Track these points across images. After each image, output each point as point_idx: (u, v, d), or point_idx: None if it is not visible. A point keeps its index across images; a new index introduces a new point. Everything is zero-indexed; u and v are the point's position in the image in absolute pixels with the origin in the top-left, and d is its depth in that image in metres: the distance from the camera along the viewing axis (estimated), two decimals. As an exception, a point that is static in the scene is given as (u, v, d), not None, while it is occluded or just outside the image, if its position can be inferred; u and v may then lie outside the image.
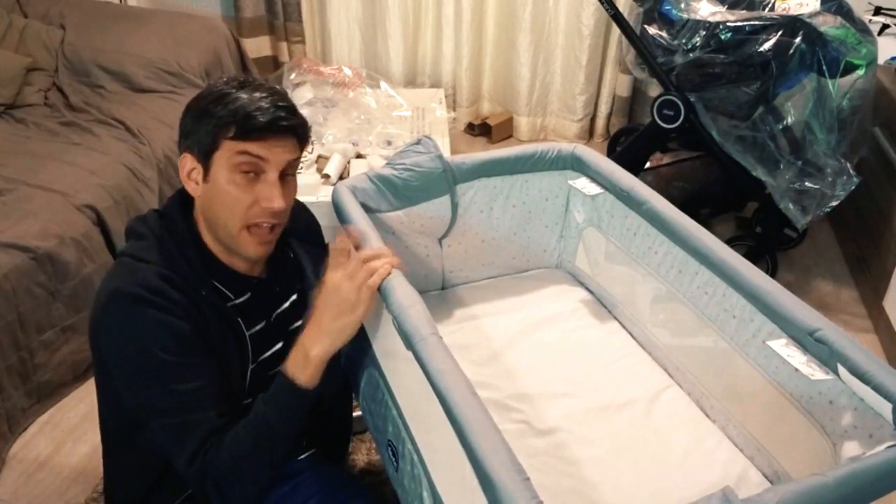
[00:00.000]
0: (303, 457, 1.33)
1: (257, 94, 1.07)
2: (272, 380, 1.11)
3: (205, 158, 1.08)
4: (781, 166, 2.09)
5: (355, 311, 1.08)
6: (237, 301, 1.17)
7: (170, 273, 1.07)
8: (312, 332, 1.08)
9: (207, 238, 1.14)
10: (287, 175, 1.12)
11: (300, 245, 1.28)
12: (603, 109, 3.26)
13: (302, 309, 1.27)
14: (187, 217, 1.14)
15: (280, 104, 1.08)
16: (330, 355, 1.09)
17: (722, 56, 2.03)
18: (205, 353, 1.08)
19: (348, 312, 1.08)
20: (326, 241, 1.39)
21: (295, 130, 1.10)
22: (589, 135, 3.35)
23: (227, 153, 1.06)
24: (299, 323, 1.26)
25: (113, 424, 1.21)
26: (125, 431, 1.17)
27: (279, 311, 1.24)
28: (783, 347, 1.13)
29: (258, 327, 1.19)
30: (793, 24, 1.96)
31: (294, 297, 1.27)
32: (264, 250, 1.14)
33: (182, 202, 1.15)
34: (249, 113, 1.05)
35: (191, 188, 1.11)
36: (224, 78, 1.12)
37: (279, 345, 1.23)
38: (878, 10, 2.66)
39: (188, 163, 1.10)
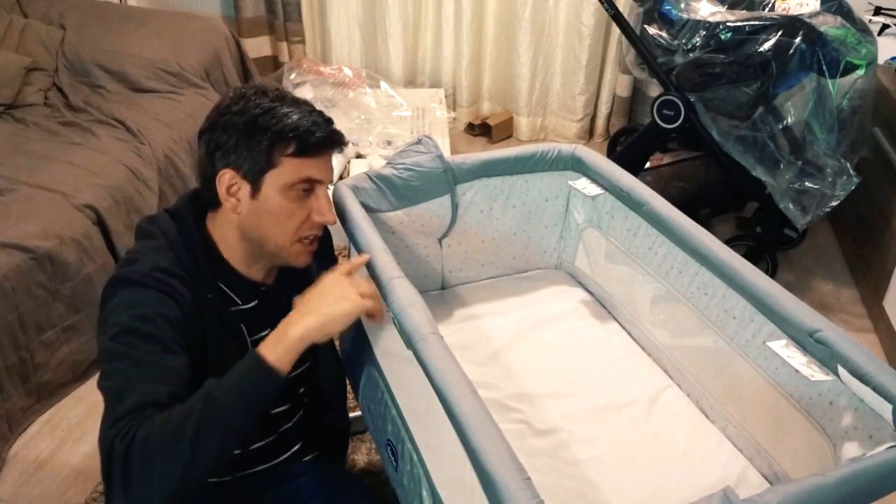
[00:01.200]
0: (304, 459, 1.33)
1: (305, 108, 1.08)
2: None
3: (256, 175, 1.06)
4: (781, 166, 2.09)
5: (343, 308, 1.03)
6: (243, 307, 1.16)
7: (177, 269, 1.06)
8: (296, 313, 1.03)
9: (225, 246, 1.13)
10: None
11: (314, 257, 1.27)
12: (603, 109, 3.26)
13: None
14: (199, 220, 1.13)
15: (326, 117, 1.10)
16: (306, 342, 1.00)
17: (722, 56, 2.03)
18: (184, 347, 1.02)
19: (341, 301, 1.03)
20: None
21: (343, 143, 1.13)
22: (589, 135, 3.35)
23: (284, 173, 1.06)
24: None
25: None
26: None
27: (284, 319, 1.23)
28: (783, 348, 1.13)
29: (263, 334, 1.17)
30: (793, 24, 1.96)
31: None
32: (310, 259, 1.16)
33: (194, 205, 1.13)
34: (309, 128, 1.06)
35: (231, 204, 1.08)
36: (253, 90, 1.09)
37: None
38: (878, 10, 2.66)
39: (228, 178, 1.07)
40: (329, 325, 1.02)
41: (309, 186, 1.09)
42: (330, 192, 1.41)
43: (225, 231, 1.12)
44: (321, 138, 1.07)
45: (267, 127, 1.04)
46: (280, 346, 0.98)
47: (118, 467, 0.88)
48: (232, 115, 1.06)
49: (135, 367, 0.95)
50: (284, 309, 1.21)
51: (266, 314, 1.18)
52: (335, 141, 1.10)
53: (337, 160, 2.58)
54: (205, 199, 1.12)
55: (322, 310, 1.02)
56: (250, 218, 1.09)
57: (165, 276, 1.04)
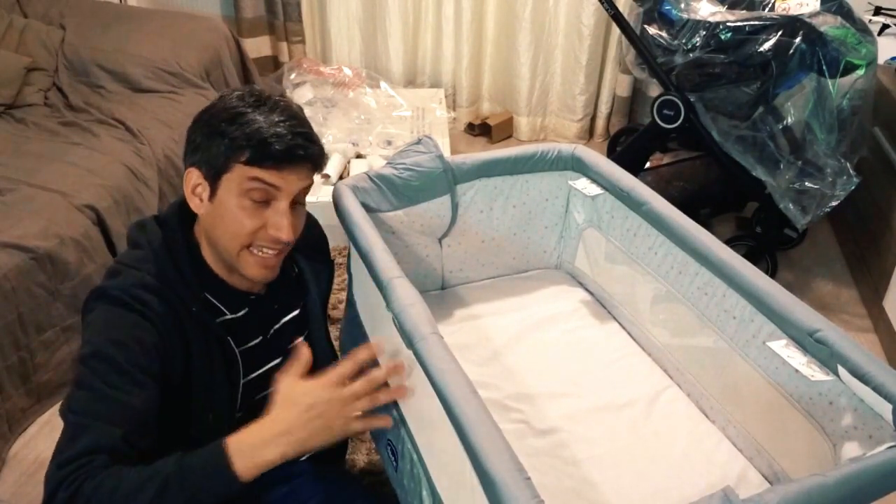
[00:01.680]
0: (302, 458, 1.33)
1: (275, 117, 1.03)
2: (266, 395, 1.08)
3: (213, 178, 1.04)
4: (781, 166, 2.09)
5: (331, 435, 0.97)
6: (231, 316, 1.14)
7: (158, 284, 1.04)
8: (275, 426, 0.94)
9: (207, 252, 1.11)
10: (297, 203, 1.08)
11: (306, 261, 1.25)
12: (603, 109, 3.26)
13: (304, 325, 1.25)
14: (186, 229, 1.11)
15: (298, 130, 1.04)
16: (282, 461, 0.94)
17: (722, 56, 2.03)
18: (154, 374, 1.00)
19: (323, 434, 0.96)
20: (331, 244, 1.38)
21: (311, 159, 1.06)
22: (589, 135, 3.35)
23: (238, 177, 1.02)
24: (300, 339, 1.24)
25: None
26: None
27: (276, 327, 1.21)
28: (783, 348, 1.13)
29: (253, 343, 1.17)
30: (793, 24, 1.96)
31: (295, 312, 1.24)
32: (268, 274, 1.10)
33: (182, 213, 1.11)
34: (265, 139, 1.01)
35: (194, 204, 1.07)
36: (237, 92, 1.06)
37: (276, 360, 1.20)
38: (878, 10, 2.66)
39: (194, 178, 1.06)
40: (310, 448, 0.96)
41: (265, 197, 1.03)
42: (330, 192, 1.42)
43: (201, 236, 1.10)
44: (277, 151, 1.01)
45: (227, 132, 1.01)
46: (251, 461, 0.92)
47: None
48: (206, 115, 1.05)
49: (95, 402, 0.94)
50: (275, 316, 1.20)
51: (257, 323, 1.16)
52: (297, 156, 1.03)
53: (337, 160, 2.59)
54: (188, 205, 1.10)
55: (303, 434, 0.94)
56: (208, 220, 1.07)
57: (146, 293, 1.02)
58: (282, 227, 1.05)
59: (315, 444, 0.96)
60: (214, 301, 1.12)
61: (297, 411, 0.95)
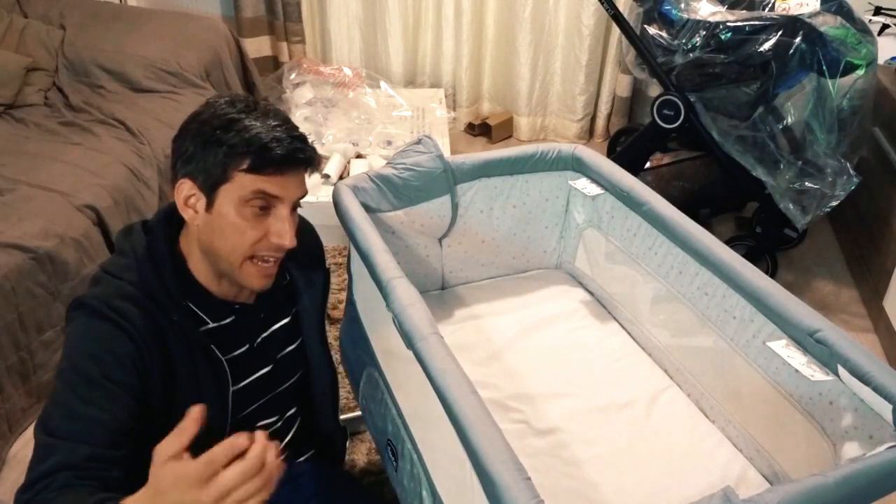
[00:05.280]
0: (302, 458, 1.33)
1: (270, 122, 1.01)
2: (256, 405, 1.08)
3: (210, 189, 1.01)
4: (781, 166, 2.09)
5: None
6: (213, 325, 1.12)
7: (138, 293, 1.02)
8: None
9: (194, 262, 1.08)
10: (294, 209, 1.08)
11: (298, 269, 1.23)
12: (603, 109, 3.26)
13: (296, 334, 1.24)
14: (171, 238, 1.09)
15: (295, 134, 1.03)
16: None
17: (722, 56, 2.03)
18: (129, 385, 0.98)
19: None
20: (328, 243, 1.37)
21: (310, 162, 1.05)
22: (589, 135, 3.35)
23: (238, 187, 1.00)
24: (292, 347, 1.24)
25: None
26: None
27: (264, 335, 1.19)
28: (783, 348, 1.13)
29: (239, 351, 1.15)
30: (793, 24, 1.96)
31: (286, 320, 1.23)
32: (268, 283, 1.09)
33: (168, 221, 1.09)
34: (266, 144, 0.99)
35: (188, 216, 1.04)
36: (224, 98, 1.04)
37: (266, 369, 1.20)
38: (878, 10, 2.66)
39: (186, 189, 1.02)
40: None
41: (265, 204, 1.02)
42: (330, 193, 1.42)
43: (192, 246, 1.08)
44: (279, 156, 0.99)
45: (223, 140, 0.99)
46: None
47: None
48: (196, 124, 1.02)
49: (65, 420, 0.94)
50: (262, 325, 1.18)
51: (243, 332, 1.15)
52: (298, 160, 1.02)
53: (337, 160, 2.59)
54: (179, 213, 1.08)
55: None
56: (205, 232, 1.04)
57: (125, 303, 1.00)
58: (284, 233, 1.04)
59: None
60: (196, 310, 1.10)
61: (161, 490, 0.78)
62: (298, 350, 1.26)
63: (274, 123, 1.02)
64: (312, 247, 1.30)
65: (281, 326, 1.22)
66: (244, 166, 0.99)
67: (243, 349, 1.16)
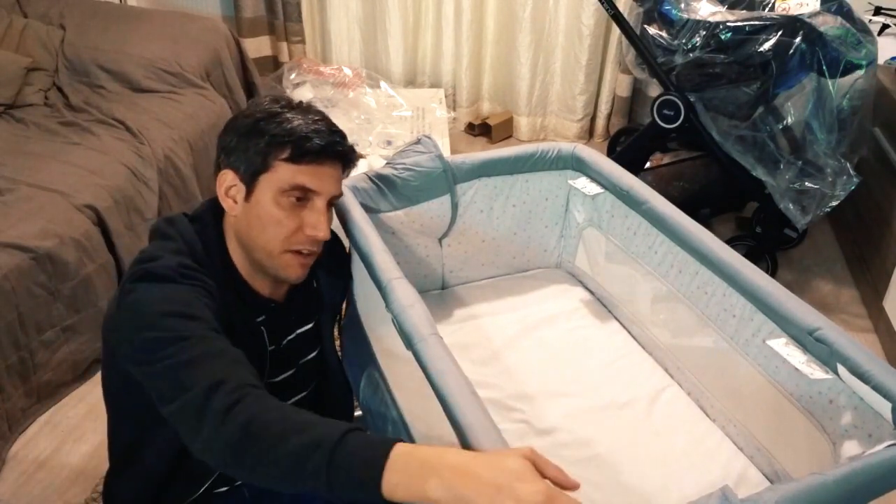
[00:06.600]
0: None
1: (310, 117, 1.06)
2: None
3: (250, 178, 1.04)
4: (781, 166, 2.09)
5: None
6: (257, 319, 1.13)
7: (200, 268, 1.02)
8: (462, 468, 0.74)
9: (235, 254, 1.10)
10: (330, 205, 1.10)
11: (326, 275, 1.24)
12: (603, 109, 3.26)
13: (316, 342, 1.25)
14: (219, 227, 1.11)
15: (333, 129, 1.08)
16: None
17: (722, 56, 2.03)
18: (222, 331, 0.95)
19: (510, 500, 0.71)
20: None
21: (347, 156, 1.09)
22: (589, 135, 3.35)
23: (277, 177, 1.03)
24: (312, 355, 1.24)
25: (121, 440, 1.15)
26: (134, 448, 1.11)
27: (289, 338, 1.20)
28: (783, 347, 1.13)
29: (268, 350, 1.16)
30: (793, 24, 1.96)
31: (308, 326, 1.23)
32: (304, 273, 1.10)
33: (215, 211, 1.11)
34: (305, 134, 1.03)
35: (228, 205, 1.07)
36: (268, 97, 1.09)
37: (288, 373, 1.20)
38: (878, 10, 2.65)
39: (228, 179, 1.06)
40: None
41: (302, 195, 1.05)
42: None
43: (230, 238, 1.10)
44: (318, 146, 1.03)
45: (266, 130, 1.03)
46: (404, 488, 0.75)
47: (235, 434, 0.80)
48: (239, 119, 1.07)
49: (210, 361, 0.87)
50: (289, 327, 1.19)
51: (270, 332, 1.15)
52: (336, 152, 1.06)
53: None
54: (219, 207, 1.10)
55: (478, 498, 0.72)
56: (243, 221, 1.07)
57: (193, 272, 1.00)
58: (319, 225, 1.06)
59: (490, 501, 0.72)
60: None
61: (492, 475, 0.73)
62: (318, 359, 1.26)
63: (314, 118, 1.07)
64: (340, 257, 1.32)
65: (303, 332, 1.22)
66: (284, 155, 1.03)
67: (271, 349, 1.16)
